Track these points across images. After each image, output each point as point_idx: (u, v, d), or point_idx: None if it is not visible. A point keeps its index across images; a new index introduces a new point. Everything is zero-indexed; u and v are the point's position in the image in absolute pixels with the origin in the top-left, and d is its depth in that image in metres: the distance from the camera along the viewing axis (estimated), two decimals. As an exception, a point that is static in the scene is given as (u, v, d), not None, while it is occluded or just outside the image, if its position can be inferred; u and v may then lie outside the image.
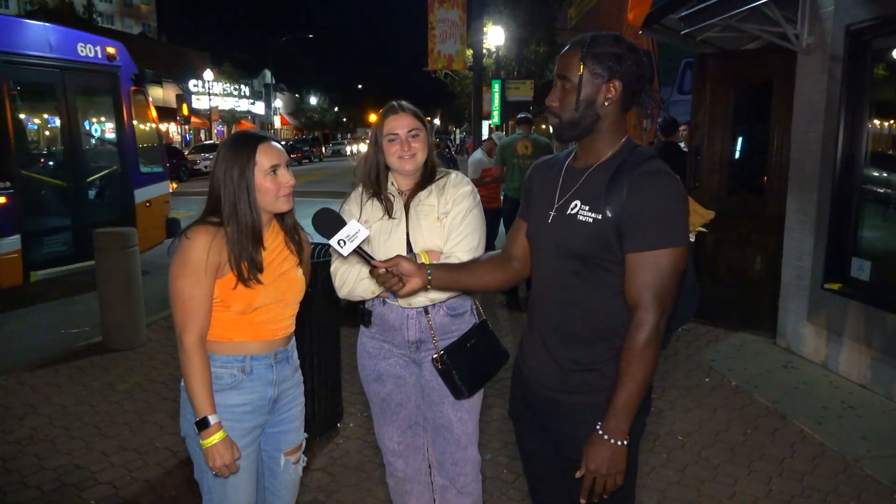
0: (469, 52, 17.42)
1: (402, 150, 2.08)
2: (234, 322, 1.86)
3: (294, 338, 2.08)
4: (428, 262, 1.96)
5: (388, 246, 2.11)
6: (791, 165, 4.94)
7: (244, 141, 1.84)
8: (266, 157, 1.82)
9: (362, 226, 1.72)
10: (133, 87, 7.87)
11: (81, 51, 7.19)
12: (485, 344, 2.16)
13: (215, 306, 1.84)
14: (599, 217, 1.54)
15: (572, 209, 1.60)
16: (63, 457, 3.37)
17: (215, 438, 1.78)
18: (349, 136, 64.41)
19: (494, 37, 20.20)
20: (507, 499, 3.00)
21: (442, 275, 1.77)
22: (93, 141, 8.27)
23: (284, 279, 1.93)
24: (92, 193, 7.61)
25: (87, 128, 8.12)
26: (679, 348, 5.02)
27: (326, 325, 3.46)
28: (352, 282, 2.10)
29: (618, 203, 1.52)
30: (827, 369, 4.55)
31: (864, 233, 4.49)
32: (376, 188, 2.16)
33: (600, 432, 1.52)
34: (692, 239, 1.66)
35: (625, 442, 1.51)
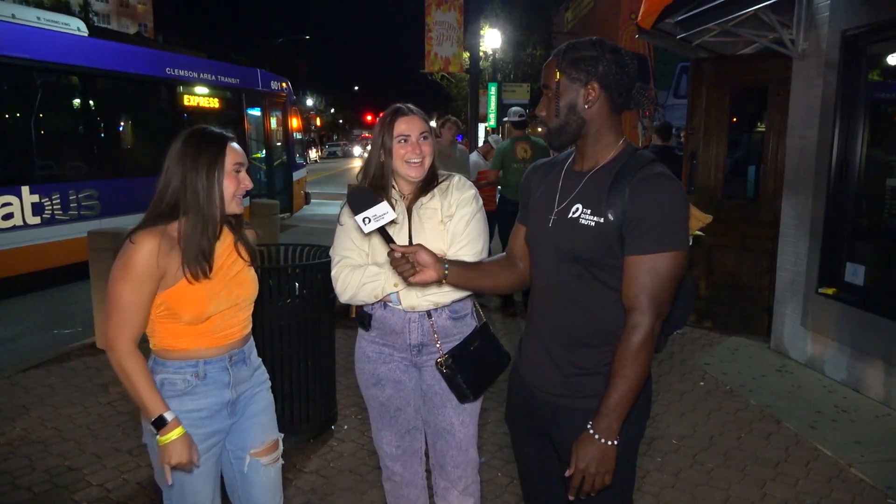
0: (466, 55, 17.43)
1: (413, 153, 2.04)
2: (185, 332, 1.83)
3: (252, 338, 2.04)
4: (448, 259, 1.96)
5: None
6: (786, 170, 4.96)
7: (213, 137, 1.83)
8: (231, 156, 1.83)
9: (391, 209, 1.73)
10: (292, 107, 12.71)
11: (273, 85, 11.94)
12: (487, 347, 2.15)
13: (164, 318, 1.81)
14: (602, 220, 1.54)
15: (574, 213, 1.60)
16: (55, 458, 3.34)
17: (173, 435, 1.73)
18: (345, 140, 64.24)
19: (491, 40, 20.24)
20: (502, 502, 2.99)
21: (458, 271, 1.79)
22: (275, 139, 12.38)
23: (235, 282, 1.90)
24: (275, 172, 12.12)
25: (273, 131, 12.29)
26: (674, 352, 5.02)
27: (321, 326, 3.44)
28: (354, 287, 2.07)
29: (620, 206, 1.52)
30: (821, 373, 4.56)
31: (859, 238, 4.51)
32: (379, 190, 2.12)
33: (591, 431, 1.53)
34: (689, 243, 1.66)
35: (614, 442, 1.52)
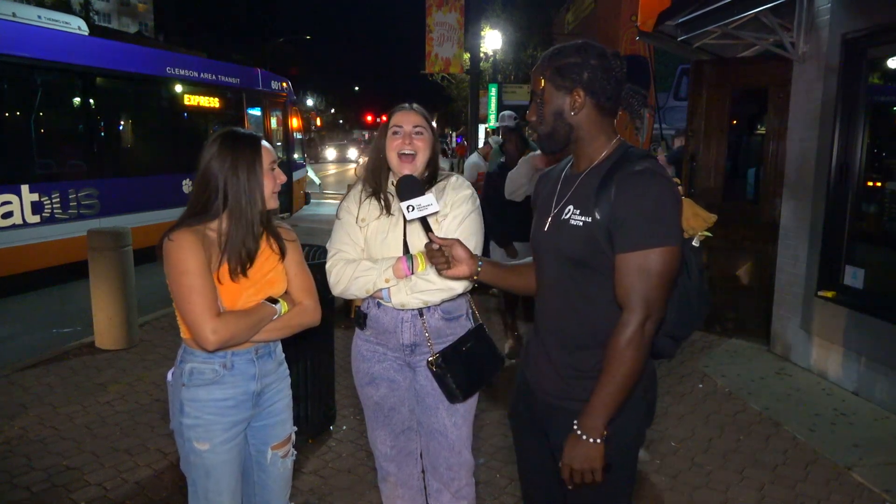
0: (466, 56, 17.43)
1: (404, 143, 2.07)
2: None
3: None
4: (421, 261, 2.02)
5: (385, 246, 2.10)
6: (786, 173, 4.96)
7: (246, 139, 1.88)
8: (266, 156, 1.89)
9: (435, 202, 1.77)
10: (292, 107, 12.89)
11: (273, 85, 12.10)
12: (481, 348, 2.15)
13: None
14: (589, 220, 1.54)
15: (566, 214, 1.61)
16: (53, 457, 3.34)
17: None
18: (345, 141, 64.13)
19: (492, 41, 20.23)
20: None
21: (490, 269, 1.82)
22: (275, 139, 12.46)
23: (265, 281, 1.94)
24: None
25: (273, 131, 12.48)
26: (673, 354, 5.02)
27: (319, 326, 3.42)
28: (346, 280, 2.09)
29: (606, 205, 1.52)
30: (820, 376, 4.56)
31: (858, 241, 4.51)
32: (376, 186, 2.14)
33: (576, 429, 1.53)
34: (696, 244, 1.65)
35: (599, 440, 1.52)
